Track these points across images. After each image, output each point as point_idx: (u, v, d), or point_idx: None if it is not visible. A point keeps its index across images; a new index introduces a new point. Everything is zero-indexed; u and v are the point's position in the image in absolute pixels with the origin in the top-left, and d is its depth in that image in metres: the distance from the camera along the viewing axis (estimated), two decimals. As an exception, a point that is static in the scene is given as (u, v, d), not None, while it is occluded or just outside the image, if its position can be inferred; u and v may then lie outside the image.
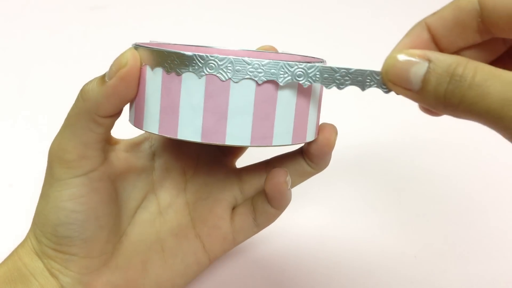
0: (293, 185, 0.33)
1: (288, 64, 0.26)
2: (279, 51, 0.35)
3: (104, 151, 0.30)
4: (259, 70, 0.25)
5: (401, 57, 0.24)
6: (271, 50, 0.35)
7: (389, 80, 0.25)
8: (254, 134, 0.26)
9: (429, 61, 0.23)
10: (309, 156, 0.32)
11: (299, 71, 0.26)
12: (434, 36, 0.27)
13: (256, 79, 0.26)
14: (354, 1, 0.77)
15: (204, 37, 0.67)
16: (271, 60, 0.26)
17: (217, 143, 0.26)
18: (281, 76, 0.26)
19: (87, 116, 0.28)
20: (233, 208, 0.35)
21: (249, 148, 0.35)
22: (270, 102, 0.26)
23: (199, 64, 0.25)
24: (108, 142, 0.32)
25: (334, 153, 0.32)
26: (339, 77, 0.26)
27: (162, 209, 0.34)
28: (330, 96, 0.37)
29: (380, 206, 0.47)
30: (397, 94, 0.26)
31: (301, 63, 0.26)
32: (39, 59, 0.63)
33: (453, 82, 0.23)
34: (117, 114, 0.29)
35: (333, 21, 0.74)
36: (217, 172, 0.35)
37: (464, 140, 0.53)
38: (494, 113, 0.22)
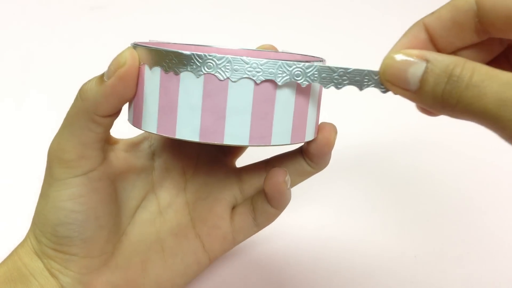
0: (292, 185, 0.33)
1: (287, 64, 0.26)
2: (279, 50, 0.35)
3: (104, 150, 0.30)
4: (258, 69, 0.25)
5: (399, 57, 0.24)
6: (271, 49, 0.35)
7: (386, 80, 0.25)
8: (253, 133, 0.26)
9: (427, 61, 0.23)
10: (309, 156, 0.32)
11: (297, 70, 0.26)
12: (432, 36, 0.27)
13: (254, 78, 0.26)
14: (354, 1, 0.77)
15: (204, 36, 0.67)
16: (270, 60, 0.25)
17: (216, 142, 0.26)
18: (280, 75, 0.26)
19: (86, 115, 0.28)
20: (233, 208, 0.35)
21: (249, 147, 0.35)
22: (268, 102, 0.26)
23: (197, 63, 0.25)
24: (108, 141, 0.32)
25: (334, 152, 0.32)
26: (337, 76, 0.26)
27: (162, 209, 0.34)
28: (330, 95, 0.37)
29: (380, 206, 0.47)
30: (395, 94, 0.26)
31: (299, 63, 0.26)
32: (39, 58, 0.63)
33: (451, 83, 0.23)
34: (116, 113, 0.29)
35: (333, 20, 0.74)
36: (217, 172, 0.35)
37: (464, 140, 0.53)
38: (491, 114, 0.22)
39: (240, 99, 0.26)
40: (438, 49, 0.27)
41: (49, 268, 0.30)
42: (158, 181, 0.35)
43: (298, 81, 0.26)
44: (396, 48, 0.27)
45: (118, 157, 0.32)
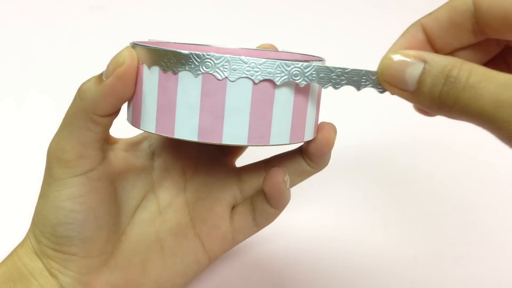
0: (292, 185, 0.33)
1: (285, 64, 0.26)
2: (279, 49, 0.35)
3: (103, 150, 0.30)
4: (256, 69, 0.25)
5: (397, 57, 0.24)
6: (271, 48, 0.35)
7: (384, 80, 0.25)
8: (251, 133, 0.26)
9: (425, 62, 0.24)
10: (308, 156, 0.32)
11: (296, 70, 0.26)
12: (429, 37, 0.27)
13: (253, 78, 0.25)
14: (354, 1, 0.77)
15: (204, 36, 0.67)
16: (268, 59, 0.25)
17: (214, 142, 0.26)
18: (278, 75, 0.26)
19: (84, 115, 0.28)
20: (233, 208, 0.35)
21: (249, 147, 0.35)
22: (267, 101, 0.26)
23: (196, 62, 0.25)
24: (107, 141, 0.32)
25: (333, 152, 0.32)
26: (335, 76, 0.26)
27: (162, 209, 0.34)
28: (330, 95, 0.37)
29: (380, 206, 0.47)
30: (392, 94, 0.26)
31: (297, 63, 0.26)
32: (39, 58, 0.63)
33: (448, 84, 0.23)
34: (115, 113, 0.29)
35: (333, 19, 0.74)
36: (217, 172, 0.35)
37: (464, 140, 0.53)
38: (487, 115, 0.22)
39: (238, 98, 0.26)
40: (436, 50, 0.27)
41: (49, 268, 0.30)
42: (158, 181, 0.34)
43: (297, 81, 0.26)
44: (393, 49, 0.27)
45: (117, 156, 0.32)
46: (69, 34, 0.67)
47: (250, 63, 0.25)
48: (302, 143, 0.32)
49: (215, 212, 0.34)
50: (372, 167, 0.52)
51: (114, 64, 0.27)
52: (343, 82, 0.27)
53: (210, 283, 0.38)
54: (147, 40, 0.33)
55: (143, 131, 0.32)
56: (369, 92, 0.27)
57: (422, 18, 0.27)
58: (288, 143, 0.28)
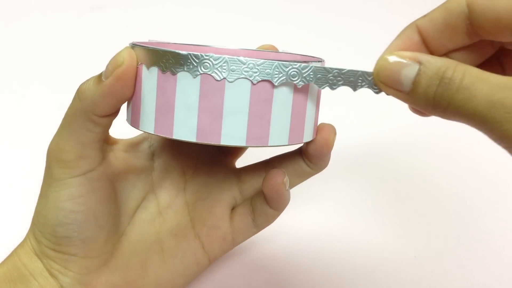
0: (292, 186, 0.33)
1: (283, 64, 0.26)
2: (280, 50, 0.35)
3: (103, 151, 0.30)
4: (254, 70, 0.25)
5: (392, 58, 0.25)
6: (271, 49, 0.35)
7: (380, 81, 0.25)
8: (250, 134, 0.26)
9: (420, 63, 0.24)
10: (308, 157, 0.32)
11: (293, 71, 0.26)
12: (425, 38, 0.27)
13: (251, 78, 0.25)
14: (355, 1, 0.77)
15: (205, 36, 0.67)
16: (266, 60, 0.25)
17: (212, 143, 0.26)
18: (276, 76, 0.26)
19: (84, 115, 0.28)
20: (233, 209, 0.35)
21: (249, 148, 0.35)
22: (265, 102, 0.26)
23: (194, 63, 0.25)
24: (107, 142, 0.32)
25: (333, 153, 0.32)
26: (331, 77, 0.27)
27: (162, 209, 0.34)
28: (330, 96, 0.37)
29: (380, 206, 0.47)
30: (388, 94, 0.26)
31: (295, 63, 0.26)
32: (39, 59, 0.63)
33: (442, 85, 0.23)
34: (114, 113, 0.29)
35: (334, 20, 0.74)
36: (217, 172, 0.35)
37: (464, 140, 0.53)
38: (481, 115, 0.22)
39: (237, 99, 0.26)
40: (431, 51, 0.28)
41: (49, 269, 0.30)
42: (158, 182, 0.34)
43: (294, 82, 0.26)
44: (389, 50, 0.27)
45: (117, 157, 0.32)
46: (69, 34, 0.67)
47: (249, 64, 0.25)
48: (301, 144, 0.32)
49: (214, 213, 0.34)
50: (372, 167, 0.52)
51: (114, 64, 0.27)
52: (340, 83, 0.27)
53: (210, 284, 0.38)
54: (147, 40, 0.33)
55: (142, 132, 0.32)
56: (369, 92, 0.27)
57: (417, 19, 0.27)
58: (287, 144, 0.28)
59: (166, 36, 0.44)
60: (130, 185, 0.33)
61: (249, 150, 0.37)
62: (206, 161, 0.36)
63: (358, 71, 0.26)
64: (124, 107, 0.29)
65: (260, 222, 0.33)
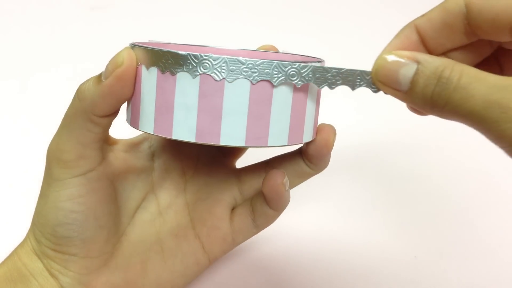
0: (292, 186, 0.33)
1: (282, 64, 0.26)
2: (280, 50, 0.35)
3: (102, 151, 0.30)
4: (254, 70, 0.25)
5: (391, 58, 0.25)
6: (272, 49, 0.35)
7: (378, 80, 0.26)
8: (249, 134, 0.26)
9: (418, 62, 0.24)
10: (308, 157, 0.32)
11: (293, 71, 0.26)
12: (423, 38, 0.27)
13: (250, 79, 0.25)
14: (356, 2, 0.77)
15: (205, 37, 0.67)
16: (265, 60, 0.25)
17: (212, 143, 0.26)
18: (275, 76, 0.26)
19: (83, 115, 0.28)
20: (233, 209, 0.35)
21: (250, 148, 0.35)
22: (265, 102, 0.26)
23: (193, 63, 0.25)
24: (107, 142, 0.32)
25: (333, 153, 0.32)
26: (330, 77, 0.27)
27: (162, 210, 0.34)
28: (331, 95, 0.37)
29: (380, 206, 0.47)
30: (386, 94, 0.26)
31: (294, 63, 0.26)
32: (39, 59, 0.63)
33: (440, 85, 0.23)
34: (114, 113, 0.29)
35: (335, 20, 0.74)
36: (217, 173, 0.35)
37: (464, 140, 0.53)
38: (477, 115, 0.22)
39: (236, 99, 0.26)
40: (429, 50, 0.28)
41: (49, 269, 0.30)
42: (158, 182, 0.35)
43: (293, 81, 0.26)
44: (388, 49, 0.27)
45: (117, 157, 0.32)
46: (69, 34, 0.67)
47: (248, 64, 0.25)
48: (301, 145, 0.32)
49: (215, 213, 0.34)
50: (372, 167, 0.52)
51: (113, 64, 0.27)
52: (338, 82, 0.27)
53: (210, 284, 0.38)
54: (147, 41, 0.33)
55: (142, 132, 0.32)
56: (370, 92, 0.27)
57: (416, 19, 0.27)
58: (286, 144, 0.28)
59: (166, 36, 0.44)
60: (130, 185, 0.33)
61: (249, 150, 0.37)
62: (207, 161, 0.36)
63: (356, 70, 0.27)
64: (124, 107, 0.29)
65: (260, 222, 0.33)
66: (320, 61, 0.29)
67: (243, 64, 0.25)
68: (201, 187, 0.35)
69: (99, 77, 0.27)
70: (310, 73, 0.26)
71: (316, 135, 0.30)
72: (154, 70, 0.26)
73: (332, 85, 0.27)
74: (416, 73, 0.24)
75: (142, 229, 0.33)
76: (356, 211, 0.46)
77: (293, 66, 0.26)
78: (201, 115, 0.26)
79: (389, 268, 0.40)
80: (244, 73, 0.25)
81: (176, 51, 0.26)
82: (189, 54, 0.25)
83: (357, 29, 0.72)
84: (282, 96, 0.26)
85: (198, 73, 0.25)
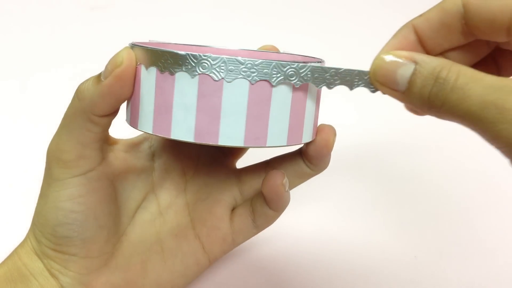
0: (292, 187, 0.33)
1: (281, 64, 0.26)
2: (281, 51, 0.35)
3: (102, 151, 0.30)
4: (252, 70, 0.25)
5: (389, 58, 0.25)
6: (273, 50, 0.35)
7: (376, 80, 0.26)
8: (248, 134, 0.26)
9: (416, 63, 0.24)
10: (308, 158, 0.32)
11: (291, 71, 0.26)
12: (421, 38, 0.27)
13: (249, 79, 0.25)
14: (356, 2, 0.77)
15: (206, 37, 0.67)
16: (264, 60, 0.25)
17: (210, 143, 0.26)
18: (274, 76, 0.26)
19: (83, 115, 0.28)
20: (233, 209, 0.35)
21: (250, 148, 0.35)
22: (264, 102, 0.26)
23: (192, 63, 0.25)
24: (107, 142, 0.32)
25: (333, 153, 0.32)
26: (328, 76, 0.27)
27: (162, 210, 0.34)
28: (331, 95, 0.37)
29: (380, 207, 0.47)
30: (384, 94, 0.26)
31: (293, 63, 0.26)
32: (39, 59, 0.63)
33: (437, 85, 0.23)
34: (114, 113, 0.29)
35: (336, 20, 0.74)
36: (217, 173, 0.35)
37: (465, 140, 0.53)
38: (474, 116, 0.22)
39: (235, 99, 0.26)
40: (427, 50, 0.28)
41: (49, 268, 0.30)
42: (158, 182, 0.35)
43: (292, 81, 0.26)
44: (386, 49, 0.28)
45: (117, 157, 0.32)
46: (69, 34, 0.67)
47: (247, 64, 0.25)
48: (301, 145, 0.32)
49: (215, 213, 0.34)
50: (372, 168, 0.52)
51: (113, 64, 0.27)
52: (336, 82, 0.27)
53: (210, 284, 0.38)
54: (147, 41, 0.33)
55: (143, 132, 0.32)
56: (370, 92, 0.27)
57: (414, 19, 0.27)
58: (285, 144, 0.28)
59: (167, 36, 0.44)
60: (131, 185, 0.33)
61: (249, 150, 0.37)
62: (207, 161, 0.36)
63: (354, 70, 0.27)
64: (124, 107, 0.29)
65: (260, 223, 0.33)
66: (320, 61, 0.29)
67: (242, 64, 0.25)
68: (201, 187, 0.35)
69: (98, 77, 0.27)
70: (309, 73, 0.26)
71: (316, 135, 0.30)
72: (153, 70, 0.26)
73: (330, 85, 0.27)
74: (414, 74, 0.24)
75: (142, 229, 0.33)
76: (356, 211, 0.46)
77: (292, 66, 0.26)
78: (200, 115, 0.26)
79: (389, 268, 0.40)
80: (243, 73, 0.25)
81: (175, 51, 0.26)
82: (188, 54, 0.25)
83: (357, 29, 0.72)
84: (281, 96, 0.26)
85: (197, 73, 0.25)
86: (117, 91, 0.27)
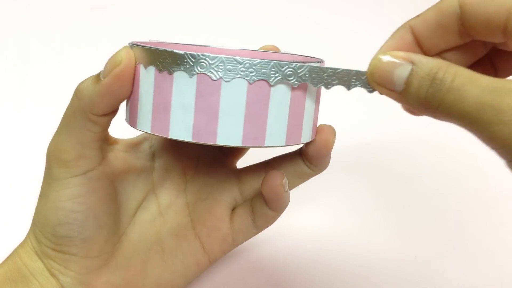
0: (292, 187, 0.33)
1: (279, 64, 0.26)
2: (282, 51, 0.35)
3: (102, 150, 0.30)
4: (251, 69, 0.25)
5: (386, 58, 0.25)
6: (273, 50, 0.35)
7: (373, 80, 0.26)
8: (246, 134, 0.26)
9: (413, 63, 0.24)
10: (307, 158, 0.32)
11: (289, 70, 0.26)
12: (418, 38, 0.27)
13: (247, 78, 0.25)
14: (358, 2, 0.77)
15: (207, 36, 0.67)
16: (262, 60, 0.25)
17: (208, 143, 0.26)
18: (272, 75, 0.26)
19: (82, 115, 0.28)
20: (233, 209, 0.35)
21: (251, 148, 0.35)
22: (262, 102, 0.26)
23: (190, 63, 0.25)
24: (106, 141, 0.32)
25: (333, 153, 0.32)
26: (326, 77, 0.27)
27: (162, 210, 0.34)
28: (331, 95, 0.37)
29: (380, 206, 0.47)
30: (381, 94, 0.26)
31: (291, 63, 0.26)
32: (39, 58, 0.63)
33: (434, 86, 0.23)
34: (113, 112, 0.29)
35: (337, 21, 0.74)
36: (218, 173, 0.35)
37: (465, 140, 0.53)
38: (470, 117, 0.22)
39: (233, 99, 0.26)
40: (424, 51, 0.28)
41: (49, 268, 0.30)
42: (159, 182, 0.35)
43: (290, 81, 0.26)
44: (383, 50, 0.28)
45: (117, 157, 0.32)
46: (69, 34, 0.67)
47: (245, 64, 0.25)
48: (301, 145, 0.32)
49: (214, 213, 0.34)
50: (371, 168, 0.52)
51: (112, 63, 0.27)
52: (334, 82, 0.27)
53: (210, 284, 0.38)
54: (148, 40, 0.33)
55: (143, 132, 0.32)
56: (374, 93, 0.27)
57: (411, 19, 0.28)
58: (284, 144, 0.27)
59: (168, 36, 0.44)
60: (131, 185, 0.33)
61: (250, 150, 0.37)
62: (207, 161, 0.36)
63: (352, 70, 0.27)
64: (123, 107, 0.29)
65: (260, 223, 0.33)
66: (320, 61, 0.29)
67: (240, 63, 0.25)
68: (202, 187, 0.35)
69: (97, 76, 0.27)
70: (307, 73, 0.26)
71: (316, 135, 0.30)
72: (152, 69, 0.26)
73: (328, 85, 0.27)
74: (411, 74, 0.24)
75: (143, 229, 0.33)
76: (356, 211, 0.46)
77: (290, 66, 0.26)
78: (198, 114, 0.26)
79: (389, 268, 0.40)
80: (241, 73, 0.25)
81: (173, 50, 0.26)
82: (186, 53, 0.25)
83: (359, 28, 0.72)
84: (280, 96, 0.26)
85: (195, 73, 0.25)
86: (116, 91, 0.27)
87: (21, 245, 0.31)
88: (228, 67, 0.25)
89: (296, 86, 0.27)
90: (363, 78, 0.26)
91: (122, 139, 0.34)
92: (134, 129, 0.29)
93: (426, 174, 0.52)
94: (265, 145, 0.27)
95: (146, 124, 0.27)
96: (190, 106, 0.26)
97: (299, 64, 0.26)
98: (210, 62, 0.25)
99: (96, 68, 0.29)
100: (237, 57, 0.25)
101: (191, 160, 0.35)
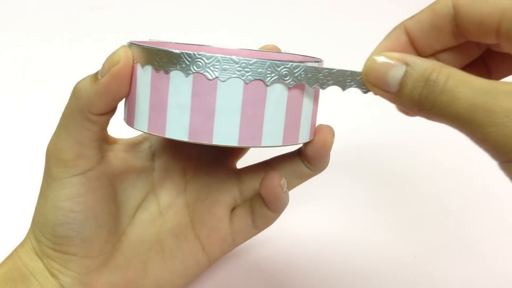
0: (291, 187, 0.33)
1: (275, 64, 0.26)
2: (282, 51, 0.35)
3: (101, 150, 0.30)
4: (247, 69, 0.25)
5: (380, 59, 0.25)
6: (274, 49, 0.35)
7: (368, 81, 0.26)
8: (242, 134, 0.26)
9: (407, 64, 0.24)
10: (306, 158, 0.32)
11: (285, 70, 0.26)
12: (412, 39, 0.27)
13: (243, 78, 0.25)
14: (359, 2, 0.77)
15: (207, 36, 0.67)
16: (258, 59, 0.25)
17: (204, 142, 0.26)
18: (268, 75, 0.26)
19: (80, 114, 0.28)
20: (233, 210, 0.35)
21: (251, 148, 0.35)
22: (258, 102, 0.26)
23: (187, 62, 0.25)
24: (106, 141, 0.32)
25: (333, 153, 0.32)
26: (321, 77, 0.27)
27: (162, 210, 0.34)
28: (330, 95, 0.37)
29: (380, 206, 0.47)
30: (375, 94, 0.26)
31: (287, 63, 0.26)
32: (39, 58, 0.63)
33: (427, 87, 0.23)
34: (111, 112, 0.29)
35: (338, 21, 0.74)
36: (217, 173, 0.35)
37: (465, 140, 0.53)
38: (463, 118, 0.22)
39: (229, 98, 0.26)
40: (418, 52, 0.28)
41: (49, 268, 0.30)
42: (158, 182, 0.34)
43: (286, 81, 0.26)
44: (377, 51, 0.28)
45: (117, 157, 0.32)
46: (69, 34, 0.67)
47: (241, 63, 0.25)
48: (300, 145, 0.32)
49: (214, 213, 0.34)
50: (372, 167, 0.52)
51: (110, 63, 0.27)
52: (329, 82, 0.27)
53: (210, 284, 0.38)
54: (147, 40, 0.33)
55: (140, 131, 0.32)
56: (370, 93, 0.27)
57: (405, 20, 0.28)
58: (281, 144, 0.27)
59: (168, 36, 0.44)
60: (131, 185, 0.33)
61: (251, 150, 0.37)
62: (207, 161, 0.36)
63: (347, 71, 0.27)
64: (122, 106, 0.29)
65: (259, 223, 0.33)
66: (318, 61, 0.29)
67: (236, 63, 0.25)
68: (201, 187, 0.35)
69: (95, 75, 0.27)
70: (302, 73, 0.26)
71: (314, 135, 0.30)
72: (148, 69, 0.26)
73: (323, 85, 0.27)
74: (405, 75, 0.24)
75: (142, 229, 0.33)
76: (356, 211, 0.46)
77: (286, 66, 0.26)
78: (194, 114, 0.26)
79: (389, 268, 0.40)
80: (237, 72, 0.25)
81: (170, 50, 0.26)
82: (182, 52, 0.25)
83: (358, 29, 0.72)
84: (276, 96, 0.26)
85: (191, 72, 0.25)
86: (114, 90, 0.27)
87: (21, 245, 0.31)
88: (224, 66, 0.25)
89: (292, 86, 0.27)
90: (358, 78, 0.26)
91: (122, 139, 0.34)
92: (132, 128, 0.29)
93: (426, 174, 0.52)
94: (261, 145, 0.27)
95: (143, 124, 0.27)
96: (186, 105, 0.26)
97: (295, 64, 0.26)
98: (206, 61, 0.25)
99: (96, 68, 0.29)
100: (233, 57, 0.25)
101: (191, 160, 0.35)
